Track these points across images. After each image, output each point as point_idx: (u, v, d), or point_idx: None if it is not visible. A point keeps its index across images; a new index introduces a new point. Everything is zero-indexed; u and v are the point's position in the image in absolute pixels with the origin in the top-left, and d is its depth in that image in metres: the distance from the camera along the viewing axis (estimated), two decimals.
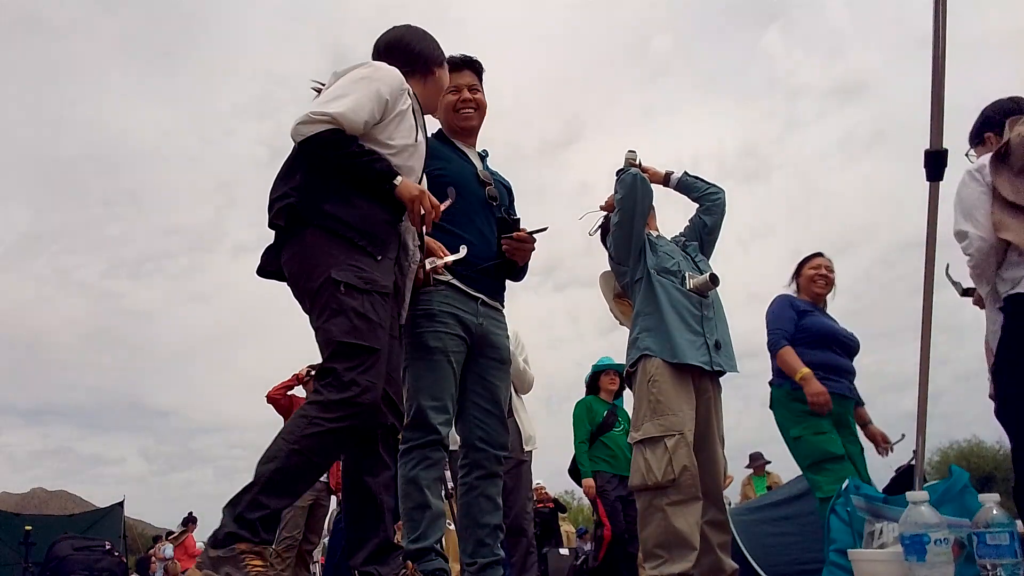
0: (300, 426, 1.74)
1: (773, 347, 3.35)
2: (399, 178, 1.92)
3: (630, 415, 3.57)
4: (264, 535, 1.70)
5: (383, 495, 1.94)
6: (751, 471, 8.52)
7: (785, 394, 3.31)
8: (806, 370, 3.18)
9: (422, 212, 1.91)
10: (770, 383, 3.44)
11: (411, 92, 2.08)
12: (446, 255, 2.18)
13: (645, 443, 2.57)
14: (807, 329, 3.36)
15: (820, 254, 3.63)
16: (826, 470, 3.12)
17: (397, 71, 2.04)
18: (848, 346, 3.44)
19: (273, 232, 1.97)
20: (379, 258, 1.92)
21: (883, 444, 3.45)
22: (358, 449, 1.95)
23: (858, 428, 3.43)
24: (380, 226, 1.94)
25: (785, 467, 8.56)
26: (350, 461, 1.96)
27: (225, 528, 1.67)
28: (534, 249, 2.43)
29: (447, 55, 2.32)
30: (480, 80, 2.51)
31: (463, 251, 2.21)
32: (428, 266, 2.15)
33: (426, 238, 2.19)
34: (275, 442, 1.75)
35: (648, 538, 2.52)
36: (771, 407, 3.42)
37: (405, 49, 2.17)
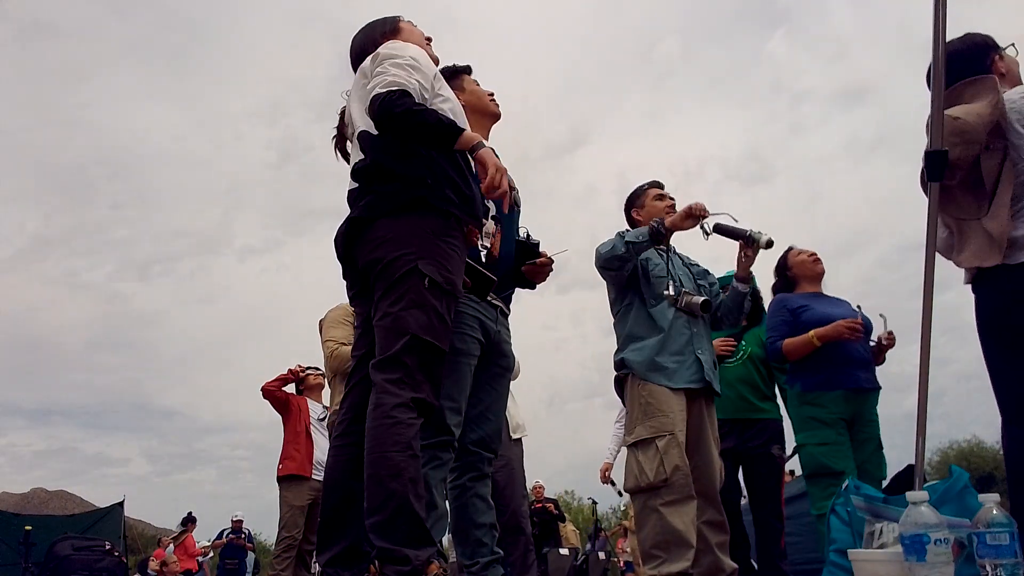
0: (398, 432, 1.74)
1: (774, 354, 3.31)
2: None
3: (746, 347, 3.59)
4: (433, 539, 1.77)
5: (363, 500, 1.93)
6: None
7: (796, 396, 3.25)
8: (811, 333, 3.16)
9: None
10: (785, 383, 3.41)
11: None
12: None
13: (638, 445, 2.61)
14: (806, 324, 3.25)
15: (791, 247, 3.54)
16: (821, 484, 3.07)
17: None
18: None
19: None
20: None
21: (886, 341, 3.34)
22: (351, 451, 1.93)
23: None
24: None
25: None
26: (341, 460, 1.94)
27: (413, 562, 1.66)
28: (552, 270, 2.47)
29: (467, 66, 2.50)
30: None
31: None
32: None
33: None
34: (382, 456, 1.73)
35: (645, 539, 2.54)
36: (786, 405, 3.40)
37: (365, 47, 2.18)
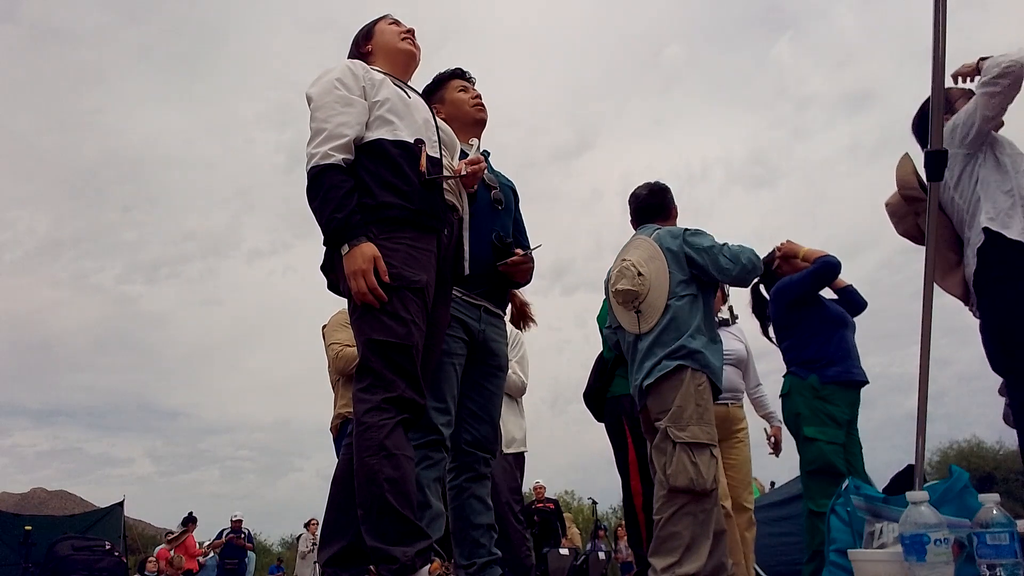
0: (368, 437, 1.74)
1: (830, 266, 3.23)
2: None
3: None
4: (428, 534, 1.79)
5: None
6: None
7: (808, 388, 3.16)
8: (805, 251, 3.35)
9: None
10: (790, 372, 3.28)
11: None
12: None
13: (693, 447, 2.56)
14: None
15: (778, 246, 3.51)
16: (824, 482, 3.04)
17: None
18: (849, 320, 3.36)
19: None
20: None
21: None
22: None
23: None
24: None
25: (768, 474, 8.62)
26: (346, 458, 1.93)
27: (400, 559, 1.67)
28: (533, 267, 2.44)
29: (457, 69, 2.51)
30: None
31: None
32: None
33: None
34: (359, 464, 1.74)
35: (671, 536, 2.53)
36: (785, 396, 3.27)
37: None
